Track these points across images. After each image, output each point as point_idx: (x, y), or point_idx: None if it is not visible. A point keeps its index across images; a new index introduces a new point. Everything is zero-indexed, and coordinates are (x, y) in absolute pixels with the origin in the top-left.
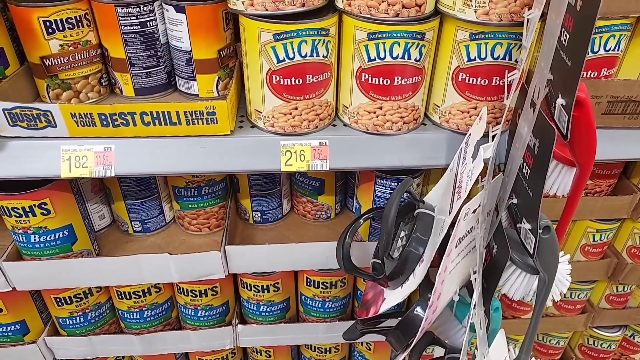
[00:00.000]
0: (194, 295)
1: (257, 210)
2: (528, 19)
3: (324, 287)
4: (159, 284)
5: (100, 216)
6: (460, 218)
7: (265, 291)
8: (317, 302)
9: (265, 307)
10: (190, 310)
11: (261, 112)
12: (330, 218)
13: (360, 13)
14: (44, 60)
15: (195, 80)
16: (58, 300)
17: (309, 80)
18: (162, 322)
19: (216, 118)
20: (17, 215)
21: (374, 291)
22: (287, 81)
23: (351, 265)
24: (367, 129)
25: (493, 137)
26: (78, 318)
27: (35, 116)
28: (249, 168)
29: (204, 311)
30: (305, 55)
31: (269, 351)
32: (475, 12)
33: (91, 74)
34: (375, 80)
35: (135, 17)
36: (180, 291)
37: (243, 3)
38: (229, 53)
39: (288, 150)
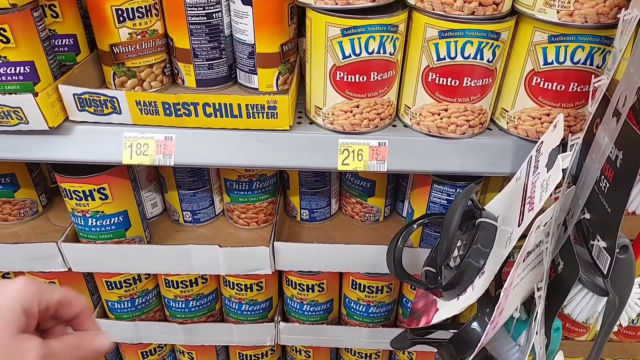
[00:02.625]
0: (239, 289)
1: (306, 208)
2: (624, 19)
3: (370, 292)
4: (206, 275)
5: (153, 204)
6: (532, 231)
7: (310, 290)
8: (361, 306)
9: (309, 306)
10: (234, 303)
11: (321, 109)
12: (379, 221)
13: (433, 10)
14: (113, 47)
15: (256, 73)
16: (109, 283)
17: (374, 77)
18: (206, 314)
19: (277, 113)
20: (78, 198)
21: (425, 300)
22: (351, 78)
23: (403, 272)
24: (430, 131)
25: (571, 146)
26: (126, 303)
27: (102, 102)
28: (305, 165)
29: (247, 305)
30: (372, 52)
31: (309, 351)
32: (557, 12)
33: (155, 64)
34: (443, 81)
35: (202, 8)
36: (226, 284)
37: None
38: (291, 48)
39: (346, 149)
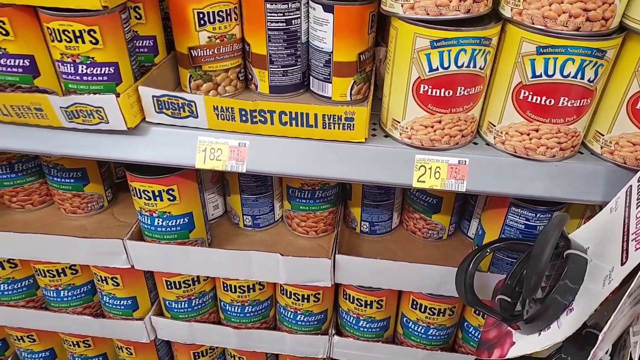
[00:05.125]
0: (296, 299)
1: (366, 221)
2: None
3: (431, 313)
4: (263, 282)
5: (215, 206)
6: None
7: (368, 306)
8: (420, 327)
9: (365, 322)
10: (289, 312)
11: (399, 122)
12: (442, 239)
13: (533, 24)
14: (192, 50)
15: (331, 82)
16: (168, 283)
17: (460, 92)
18: (260, 320)
19: (353, 124)
20: (147, 198)
21: (497, 331)
22: (436, 92)
23: (475, 298)
24: (516, 151)
25: None
26: (183, 303)
27: (180, 105)
28: (378, 179)
29: (303, 316)
30: (462, 66)
31: None
32: None
33: (231, 68)
34: (537, 99)
35: (282, 14)
36: (282, 292)
37: (402, 5)
38: (368, 57)
39: (423, 166)
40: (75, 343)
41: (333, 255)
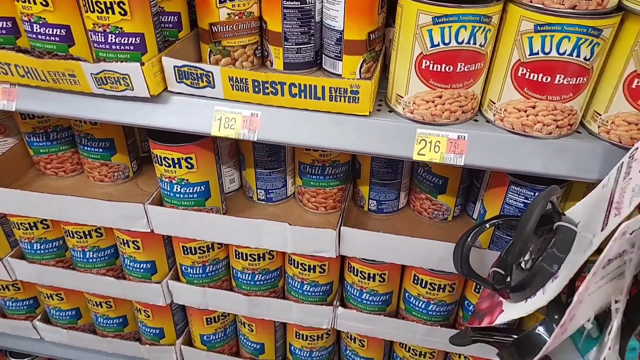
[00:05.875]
0: (302, 269)
1: (374, 199)
2: None
3: (431, 288)
4: (273, 251)
5: (231, 180)
6: (616, 236)
7: (371, 279)
8: (421, 302)
9: (368, 295)
10: (297, 282)
11: (402, 97)
12: (447, 220)
13: (531, 2)
14: (212, 26)
15: (341, 60)
16: (185, 248)
17: (460, 68)
18: (269, 289)
19: (358, 97)
20: (167, 165)
21: (490, 301)
22: (437, 67)
23: (470, 270)
24: (513, 128)
25: None
26: (198, 269)
27: (199, 75)
28: (380, 151)
29: (309, 286)
30: (462, 42)
31: (363, 341)
32: None
33: (248, 44)
34: (534, 76)
35: None
36: (291, 262)
37: None
38: (377, 36)
39: (423, 139)
40: (98, 303)
41: (338, 227)
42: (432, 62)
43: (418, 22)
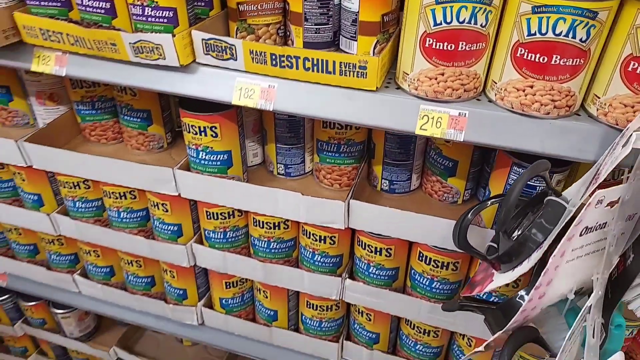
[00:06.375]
0: (314, 239)
1: (387, 179)
2: None
3: (435, 266)
4: (288, 221)
5: (254, 154)
6: (591, 202)
7: (378, 253)
8: (425, 279)
9: (375, 269)
10: (308, 252)
11: (408, 75)
12: (457, 203)
13: None
14: (239, 5)
15: (356, 40)
16: (208, 213)
17: (461, 47)
18: (284, 258)
19: (366, 73)
20: (194, 132)
21: (484, 274)
22: (439, 45)
23: (465, 242)
24: (513, 107)
25: None
26: (219, 234)
27: (223, 48)
28: (385, 125)
29: (319, 257)
30: (463, 22)
31: (370, 315)
32: None
33: (272, 24)
34: (531, 57)
35: None
36: (304, 232)
37: None
38: (391, 19)
39: (426, 115)
40: (129, 262)
41: (348, 200)
42: (435, 40)
43: (423, 1)
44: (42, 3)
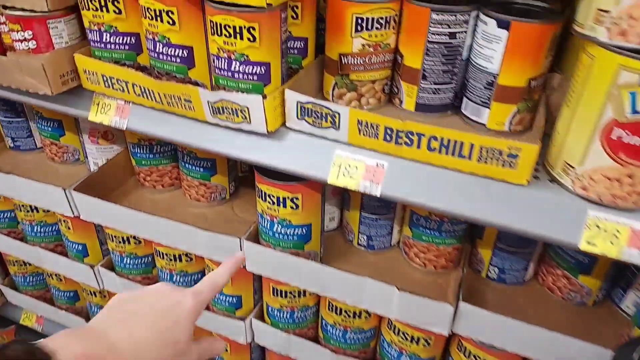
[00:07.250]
0: (404, 338)
1: (496, 266)
2: None
3: None
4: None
5: (331, 218)
6: None
7: None
8: None
9: None
10: (394, 351)
11: (574, 168)
12: (585, 305)
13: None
14: (342, 57)
15: (489, 107)
16: (275, 290)
17: None
18: (360, 349)
19: (516, 163)
20: (271, 202)
21: None
22: (635, 140)
23: None
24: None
25: None
26: (285, 313)
27: (324, 115)
28: (534, 231)
29: (408, 358)
30: None
31: None
32: None
33: (379, 80)
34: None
35: (447, 26)
36: (390, 327)
37: (608, 30)
38: (539, 84)
39: (597, 225)
40: None
41: (456, 301)
42: (629, 132)
43: (617, 80)
44: (109, 46)
